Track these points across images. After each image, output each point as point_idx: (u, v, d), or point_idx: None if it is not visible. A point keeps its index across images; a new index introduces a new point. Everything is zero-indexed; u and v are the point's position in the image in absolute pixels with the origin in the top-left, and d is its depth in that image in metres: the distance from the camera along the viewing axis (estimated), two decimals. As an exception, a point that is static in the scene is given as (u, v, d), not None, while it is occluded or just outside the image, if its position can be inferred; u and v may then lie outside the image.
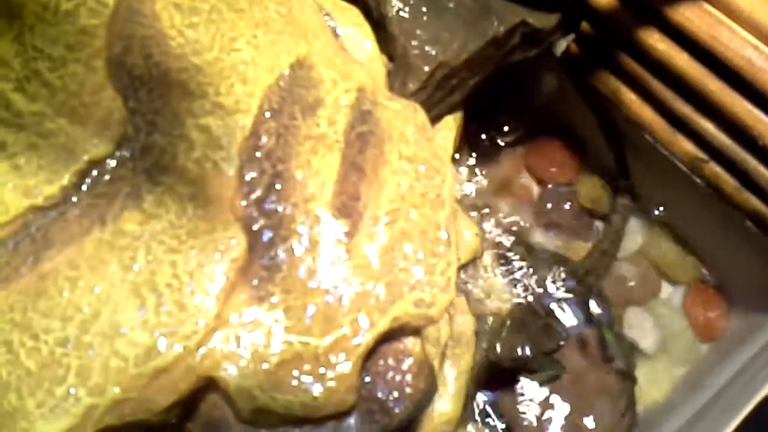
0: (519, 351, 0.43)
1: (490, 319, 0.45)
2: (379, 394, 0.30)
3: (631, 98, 0.47)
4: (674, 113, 0.45)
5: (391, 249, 0.31)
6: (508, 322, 0.44)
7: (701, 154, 0.45)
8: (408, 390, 0.30)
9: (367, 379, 0.30)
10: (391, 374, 0.30)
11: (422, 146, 0.34)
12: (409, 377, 0.30)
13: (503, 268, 0.49)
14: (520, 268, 0.50)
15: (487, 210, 0.51)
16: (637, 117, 0.47)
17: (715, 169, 0.45)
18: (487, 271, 0.49)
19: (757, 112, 0.42)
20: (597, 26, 0.46)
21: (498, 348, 0.43)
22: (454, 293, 0.32)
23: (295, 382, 0.28)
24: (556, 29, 0.44)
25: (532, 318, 0.46)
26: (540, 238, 0.51)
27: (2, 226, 0.30)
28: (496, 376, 0.45)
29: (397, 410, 0.30)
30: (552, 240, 0.52)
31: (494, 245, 0.50)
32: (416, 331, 0.31)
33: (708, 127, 0.44)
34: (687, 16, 0.42)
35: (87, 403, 0.27)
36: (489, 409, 0.45)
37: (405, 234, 0.32)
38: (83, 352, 0.28)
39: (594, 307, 0.46)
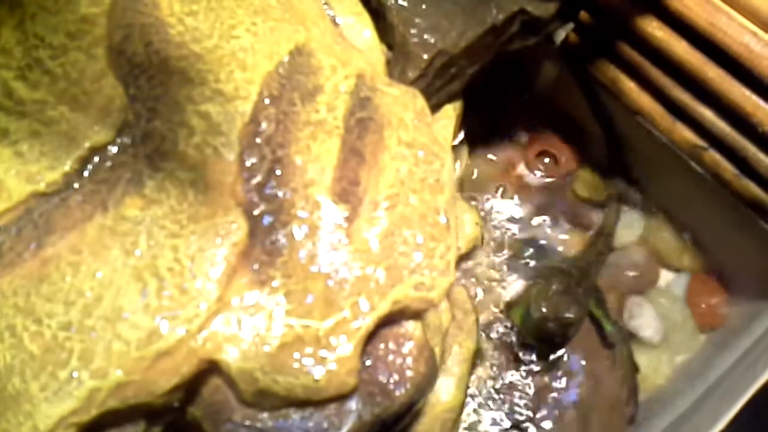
0: (565, 313, 0.43)
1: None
2: (380, 377, 0.30)
3: (630, 87, 0.47)
4: (673, 101, 0.45)
5: (390, 233, 0.32)
6: (555, 285, 0.44)
7: (700, 142, 0.45)
8: (409, 373, 0.30)
9: (368, 362, 0.30)
10: (391, 357, 0.31)
11: (421, 132, 0.34)
12: (409, 360, 0.31)
13: (503, 258, 0.49)
14: (520, 259, 0.50)
15: (486, 199, 0.51)
16: (636, 105, 0.47)
17: (714, 156, 0.45)
18: (487, 261, 0.49)
19: (756, 99, 0.42)
20: (596, 15, 0.46)
21: (544, 308, 0.43)
22: (453, 277, 0.32)
23: (296, 365, 0.28)
24: (555, 18, 0.44)
25: (574, 284, 0.45)
26: (539, 227, 0.51)
27: (5, 212, 0.30)
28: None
29: (397, 393, 0.30)
30: (551, 229, 0.52)
31: (494, 235, 0.51)
32: (417, 315, 0.32)
33: (707, 114, 0.44)
34: (685, 4, 0.42)
35: (90, 386, 0.27)
36: (492, 392, 0.45)
37: (404, 219, 0.32)
38: (86, 335, 0.28)
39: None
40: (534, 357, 0.47)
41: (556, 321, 0.43)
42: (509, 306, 0.47)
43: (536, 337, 0.45)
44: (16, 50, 0.32)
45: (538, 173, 0.53)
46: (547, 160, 0.53)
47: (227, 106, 0.32)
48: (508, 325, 0.47)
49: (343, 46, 0.36)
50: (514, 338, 0.47)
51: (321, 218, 0.31)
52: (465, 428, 0.45)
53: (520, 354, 0.47)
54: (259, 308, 0.29)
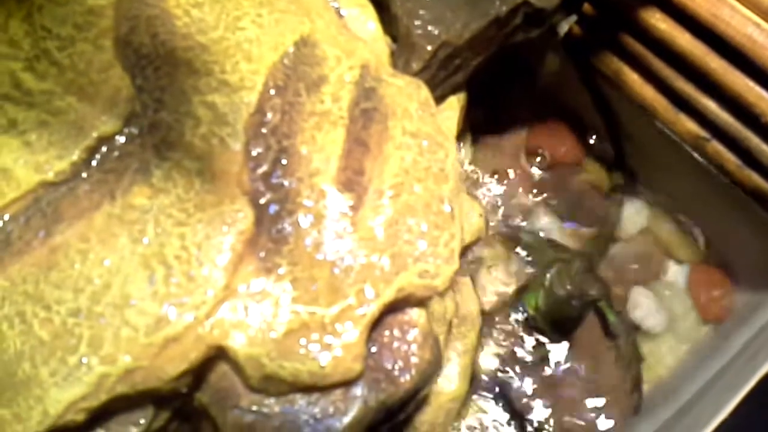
0: (590, 290, 0.43)
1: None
2: (386, 364, 0.30)
3: (633, 78, 0.47)
4: (676, 92, 0.45)
5: (395, 222, 0.32)
6: (578, 263, 0.44)
7: (703, 133, 0.45)
8: (413, 360, 0.31)
9: (374, 349, 0.31)
10: (396, 344, 0.31)
11: (425, 122, 0.34)
12: (414, 347, 0.31)
13: (507, 249, 0.50)
14: (524, 250, 0.50)
15: (489, 191, 0.52)
16: (639, 97, 0.47)
17: (717, 147, 0.45)
18: (491, 252, 0.49)
19: (759, 90, 0.42)
20: (599, 7, 0.47)
21: (569, 285, 0.43)
22: (457, 264, 0.32)
23: (302, 351, 0.29)
24: (558, 9, 0.44)
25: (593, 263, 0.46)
26: (543, 219, 0.52)
27: (14, 201, 0.30)
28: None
29: (402, 379, 0.30)
30: (555, 222, 0.52)
31: (498, 227, 0.51)
32: (421, 303, 0.32)
33: (710, 105, 0.44)
34: (688, -5, 0.42)
35: (99, 372, 0.28)
36: (496, 381, 0.46)
37: (409, 207, 0.32)
38: (95, 322, 0.28)
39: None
40: (539, 345, 0.47)
41: (581, 298, 0.43)
42: (520, 292, 0.47)
43: (554, 318, 0.45)
44: (24, 42, 0.32)
45: (542, 166, 0.53)
46: (550, 153, 0.53)
47: (233, 97, 0.32)
48: (513, 314, 0.47)
49: (347, 37, 0.36)
50: (519, 327, 0.47)
51: (326, 207, 0.31)
52: (469, 416, 0.45)
53: (525, 344, 0.47)
54: (265, 295, 0.29)
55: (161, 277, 0.29)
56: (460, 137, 0.49)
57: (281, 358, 0.29)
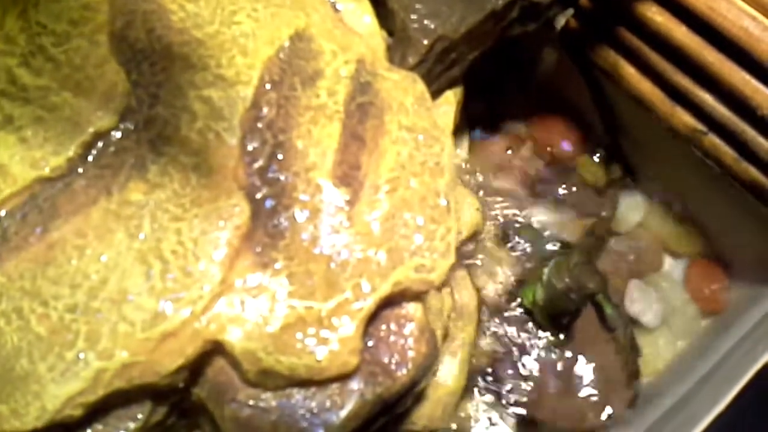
0: (588, 283, 0.43)
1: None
2: (382, 358, 0.30)
3: (630, 72, 0.47)
4: (673, 86, 0.45)
5: (391, 216, 0.32)
6: (576, 256, 0.44)
7: (700, 126, 0.45)
8: (410, 353, 0.31)
9: (370, 343, 0.31)
10: (393, 338, 0.31)
11: (421, 116, 0.34)
12: (411, 341, 0.31)
13: (504, 243, 0.50)
14: (521, 244, 0.50)
15: (487, 186, 0.52)
16: (636, 91, 0.47)
17: (714, 140, 0.45)
18: (489, 246, 0.50)
19: (755, 83, 0.42)
20: (595, 0, 0.47)
21: (567, 278, 0.43)
22: (454, 258, 0.32)
23: (299, 345, 0.29)
24: (555, 3, 0.44)
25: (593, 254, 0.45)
26: (541, 213, 0.52)
27: (10, 197, 0.30)
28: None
29: (399, 373, 0.30)
30: (553, 215, 0.52)
31: (495, 221, 0.51)
32: (417, 297, 0.32)
33: (707, 98, 0.44)
34: (684, -13, 0.42)
35: (96, 367, 0.28)
36: (490, 377, 0.46)
37: (405, 202, 0.32)
38: (92, 317, 0.28)
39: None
40: (537, 339, 0.47)
41: (579, 291, 0.43)
42: (518, 286, 0.47)
43: (552, 311, 0.45)
44: (19, 38, 0.32)
45: (539, 160, 0.53)
46: (547, 146, 0.53)
47: (229, 91, 0.32)
48: (511, 308, 0.48)
49: (343, 31, 0.36)
50: (517, 321, 0.47)
51: (322, 201, 0.31)
52: (466, 410, 0.45)
53: (522, 338, 0.48)
54: (262, 290, 0.29)
55: (158, 272, 0.29)
56: (456, 131, 0.49)
57: (278, 353, 0.29)
